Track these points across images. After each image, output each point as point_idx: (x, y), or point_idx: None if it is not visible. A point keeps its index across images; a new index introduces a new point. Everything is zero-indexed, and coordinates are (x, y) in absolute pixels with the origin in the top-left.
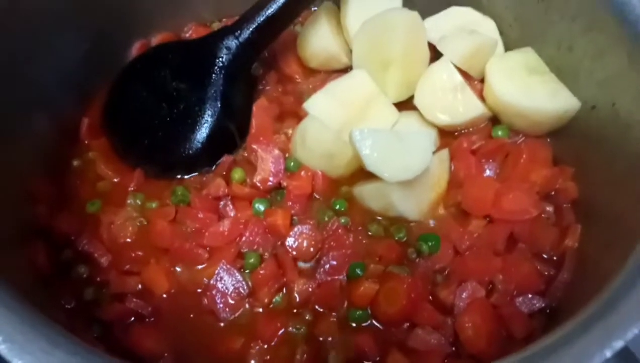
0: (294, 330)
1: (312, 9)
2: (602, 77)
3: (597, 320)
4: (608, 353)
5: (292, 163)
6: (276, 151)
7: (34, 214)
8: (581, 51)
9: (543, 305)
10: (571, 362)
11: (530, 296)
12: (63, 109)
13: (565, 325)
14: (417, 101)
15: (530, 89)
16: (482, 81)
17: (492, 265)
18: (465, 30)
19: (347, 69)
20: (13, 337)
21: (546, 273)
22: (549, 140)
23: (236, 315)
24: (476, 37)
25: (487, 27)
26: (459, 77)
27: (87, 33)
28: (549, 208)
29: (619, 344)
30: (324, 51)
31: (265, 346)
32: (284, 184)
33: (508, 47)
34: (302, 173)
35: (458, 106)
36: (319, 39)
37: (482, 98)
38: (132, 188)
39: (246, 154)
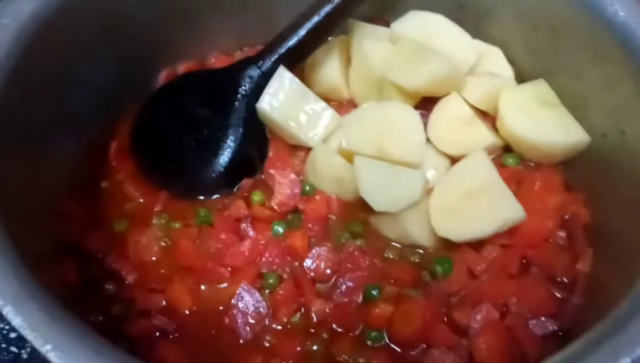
0: (312, 348)
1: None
2: (612, 106)
3: (605, 339)
4: None
5: (307, 187)
6: (292, 176)
7: (66, 232)
8: (591, 80)
9: (556, 327)
10: None
11: (543, 319)
12: (93, 133)
13: (574, 344)
14: (429, 133)
15: (542, 123)
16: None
17: (506, 288)
18: (482, 72)
19: (344, 102)
20: (61, 345)
21: (559, 296)
22: (560, 167)
23: (256, 333)
24: (495, 79)
25: (495, 57)
26: (469, 110)
27: (117, 61)
28: (562, 233)
29: (626, 361)
30: (328, 82)
31: (283, 362)
32: (301, 207)
33: (519, 76)
34: (318, 196)
35: (469, 137)
36: (326, 70)
37: (495, 129)
38: (157, 209)
39: (264, 178)
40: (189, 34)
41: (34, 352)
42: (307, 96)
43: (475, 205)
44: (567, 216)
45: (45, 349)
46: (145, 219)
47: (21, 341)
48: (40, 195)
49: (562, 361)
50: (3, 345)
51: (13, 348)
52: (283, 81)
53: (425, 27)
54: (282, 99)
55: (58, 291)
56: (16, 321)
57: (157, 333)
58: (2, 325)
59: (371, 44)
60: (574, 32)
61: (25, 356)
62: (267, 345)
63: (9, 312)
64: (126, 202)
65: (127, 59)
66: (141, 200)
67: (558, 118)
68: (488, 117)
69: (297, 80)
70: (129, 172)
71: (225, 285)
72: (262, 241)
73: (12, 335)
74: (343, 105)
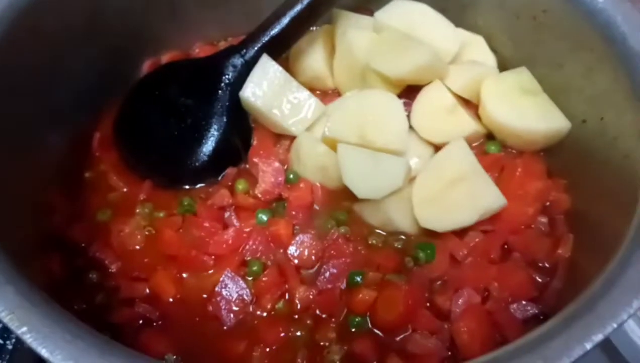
0: (295, 334)
1: (312, 28)
2: (592, 93)
3: (577, 318)
4: (588, 346)
5: (291, 175)
6: (276, 164)
7: (50, 223)
8: (571, 68)
9: (536, 311)
10: (554, 354)
11: (524, 302)
12: (76, 124)
13: (546, 324)
14: (412, 122)
15: (523, 111)
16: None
17: (487, 273)
18: (465, 61)
19: (329, 91)
20: (38, 328)
21: (540, 281)
22: (542, 154)
23: (239, 320)
24: (477, 68)
25: (478, 46)
26: (451, 98)
27: (100, 52)
28: (543, 219)
29: (598, 338)
30: (312, 71)
31: (267, 349)
32: (285, 195)
33: (502, 65)
34: (302, 184)
35: (452, 125)
36: (310, 59)
37: (478, 117)
38: (141, 198)
39: (248, 167)
40: (173, 24)
41: (19, 343)
42: (290, 85)
43: (457, 195)
44: (548, 203)
45: (21, 331)
46: (129, 209)
47: (6, 332)
48: (24, 187)
49: (535, 338)
50: None
51: None
52: (266, 70)
53: (409, 16)
54: (266, 87)
55: (41, 281)
56: None
57: (141, 322)
58: None
59: (355, 33)
60: (555, 20)
61: (10, 347)
62: (251, 331)
63: None
64: (110, 192)
65: (111, 49)
66: (125, 190)
67: (539, 106)
68: (471, 105)
69: (280, 68)
70: (112, 162)
71: (209, 273)
72: (246, 229)
73: None
74: (327, 94)
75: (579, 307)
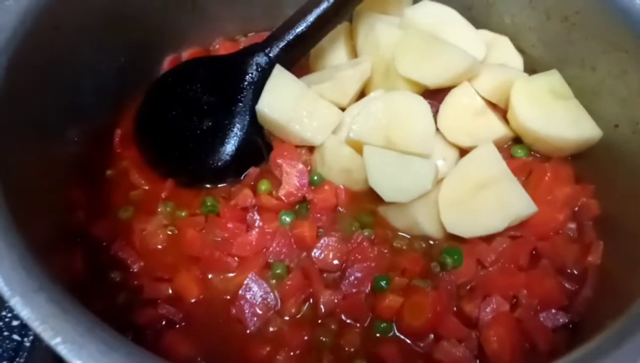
0: (320, 339)
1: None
2: (625, 96)
3: (628, 334)
4: None
5: (315, 177)
6: (300, 166)
7: (71, 221)
8: (604, 70)
9: (566, 320)
10: None
11: (554, 311)
12: (97, 120)
13: (595, 339)
14: (439, 124)
15: (553, 116)
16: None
17: (516, 280)
18: (493, 64)
19: None
20: (72, 338)
21: (570, 289)
22: (569, 158)
23: (263, 323)
24: (507, 71)
25: (503, 46)
26: (480, 101)
27: (121, 48)
28: (572, 225)
29: None
30: (334, 67)
31: (292, 354)
32: (309, 197)
33: (530, 66)
34: (326, 186)
35: (480, 128)
36: (331, 57)
37: (506, 120)
38: (163, 196)
39: (270, 168)
40: (194, 19)
41: (37, 340)
42: (307, 95)
43: (485, 200)
44: (576, 208)
45: (55, 342)
46: (151, 207)
47: (24, 329)
48: (46, 184)
49: (582, 357)
50: (5, 333)
51: (15, 337)
52: (281, 81)
53: (437, 18)
54: (282, 99)
55: (64, 281)
56: (24, 312)
57: (164, 323)
58: (4, 313)
59: (384, 28)
60: (588, 21)
61: (28, 344)
62: (275, 335)
63: (17, 303)
64: (131, 190)
65: (131, 45)
66: (146, 188)
67: (570, 111)
68: (497, 108)
69: (295, 78)
70: (133, 159)
71: (232, 274)
72: (270, 231)
73: (15, 322)
74: None
75: (627, 323)
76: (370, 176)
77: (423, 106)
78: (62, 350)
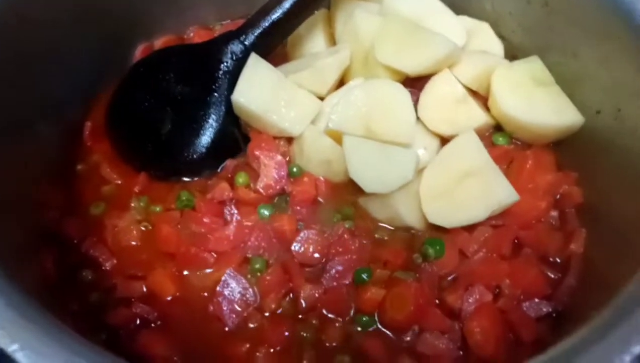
0: (301, 335)
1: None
2: (608, 83)
3: (613, 326)
4: (627, 358)
5: (294, 169)
6: (278, 157)
7: (42, 220)
8: (586, 56)
9: (550, 309)
10: None
11: (537, 300)
12: (66, 113)
13: (580, 332)
14: (420, 113)
15: (534, 103)
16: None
17: (498, 270)
18: (474, 50)
19: None
20: (31, 344)
21: (553, 277)
22: (551, 145)
23: (242, 320)
24: (488, 58)
25: (484, 33)
26: (461, 89)
27: (91, 37)
28: (554, 213)
29: (637, 349)
30: (312, 55)
31: (272, 350)
32: (288, 190)
33: (510, 52)
34: (306, 178)
35: (461, 116)
36: (309, 45)
37: (487, 107)
38: (136, 191)
39: (248, 160)
40: (167, 5)
41: None
42: (284, 84)
43: (467, 189)
44: (559, 196)
45: (12, 349)
46: (124, 203)
47: None
48: (13, 181)
49: (569, 349)
50: None
51: None
52: (257, 70)
53: (417, 6)
54: (258, 89)
55: (33, 281)
56: None
57: (138, 322)
58: None
59: (363, 16)
60: (568, 7)
61: None
62: (254, 332)
63: None
64: (103, 185)
65: (102, 34)
66: (118, 182)
67: (551, 98)
68: (478, 95)
69: (272, 67)
70: (105, 153)
71: (210, 270)
72: (248, 225)
73: None
74: None
75: (613, 314)
76: (350, 167)
77: (404, 94)
78: (21, 357)
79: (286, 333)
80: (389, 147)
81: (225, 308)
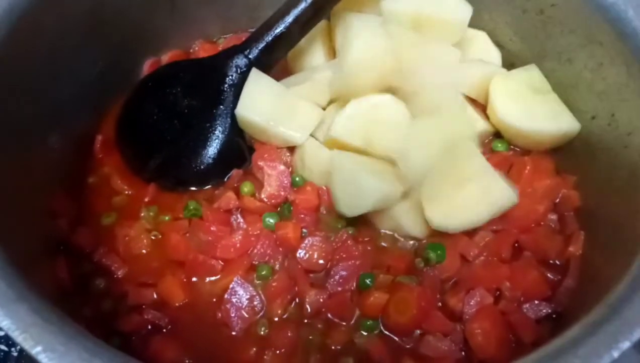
0: (307, 339)
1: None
2: (602, 89)
3: (604, 322)
4: (615, 354)
5: (297, 178)
6: (281, 167)
7: (54, 229)
8: (581, 63)
9: (550, 310)
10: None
11: (537, 302)
12: (78, 126)
13: (573, 329)
14: None
15: (533, 111)
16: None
17: (499, 273)
18: (472, 59)
19: None
20: (53, 346)
21: (552, 279)
22: (550, 150)
23: (249, 325)
24: (486, 67)
25: (482, 42)
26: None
27: (100, 51)
28: (553, 216)
29: (625, 345)
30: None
31: (278, 352)
32: (291, 198)
33: (507, 60)
34: (308, 187)
35: None
36: (310, 58)
37: (486, 115)
38: (146, 200)
39: (253, 170)
40: (173, 20)
41: (24, 350)
42: (285, 96)
43: (467, 194)
44: (558, 200)
45: (36, 351)
46: (134, 213)
47: (10, 339)
48: (27, 192)
49: (560, 346)
50: None
51: (2, 347)
52: (259, 84)
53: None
54: (261, 102)
55: (49, 290)
56: (5, 323)
57: (150, 328)
58: None
59: (361, 27)
60: (564, 15)
61: (15, 354)
62: (261, 336)
63: None
64: (114, 196)
65: (111, 48)
66: (129, 193)
67: (549, 105)
68: (477, 104)
69: (273, 80)
70: (115, 165)
71: (217, 277)
72: (254, 233)
73: (1, 333)
74: None
75: (603, 312)
76: (332, 184)
77: (404, 112)
78: (44, 358)
79: (292, 337)
80: (365, 173)
81: (232, 315)
